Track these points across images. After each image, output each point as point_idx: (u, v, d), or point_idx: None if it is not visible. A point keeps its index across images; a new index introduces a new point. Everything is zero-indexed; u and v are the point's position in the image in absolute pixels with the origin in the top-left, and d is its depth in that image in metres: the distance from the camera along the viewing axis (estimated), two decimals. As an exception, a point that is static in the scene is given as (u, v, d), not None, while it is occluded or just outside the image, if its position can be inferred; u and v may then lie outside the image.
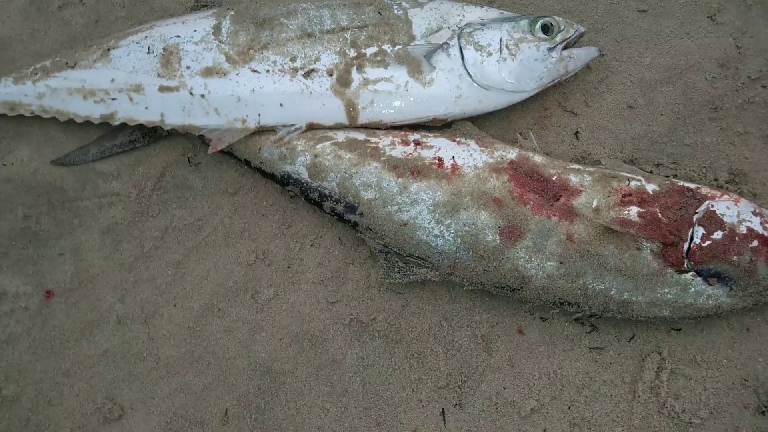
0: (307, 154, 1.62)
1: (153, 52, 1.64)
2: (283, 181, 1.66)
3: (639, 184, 1.53)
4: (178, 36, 1.64)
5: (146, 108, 1.63)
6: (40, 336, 1.65)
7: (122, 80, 1.63)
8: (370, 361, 1.65)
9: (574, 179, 1.54)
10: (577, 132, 1.77)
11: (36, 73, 1.67)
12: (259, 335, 1.67)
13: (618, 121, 1.77)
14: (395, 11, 1.66)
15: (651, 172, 1.67)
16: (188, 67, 1.62)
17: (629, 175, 1.55)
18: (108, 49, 1.66)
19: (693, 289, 1.48)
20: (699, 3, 1.82)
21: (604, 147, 1.75)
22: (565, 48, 1.66)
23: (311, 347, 1.67)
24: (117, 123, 1.66)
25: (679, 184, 1.54)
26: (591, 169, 1.57)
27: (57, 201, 1.73)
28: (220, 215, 1.74)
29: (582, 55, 1.68)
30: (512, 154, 1.59)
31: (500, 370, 1.64)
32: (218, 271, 1.71)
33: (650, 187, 1.52)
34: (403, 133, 1.65)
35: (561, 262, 1.50)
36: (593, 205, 1.50)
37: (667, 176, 1.66)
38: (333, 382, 1.64)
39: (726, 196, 1.52)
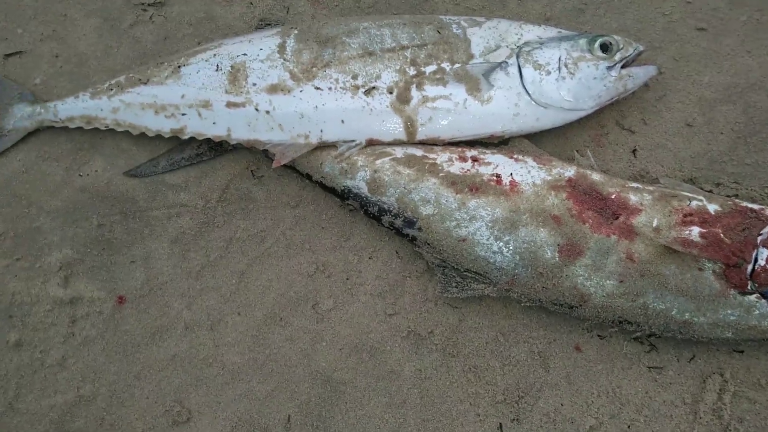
0: (366, 169, 1.65)
1: (221, 69, 1.68)
2: (343, 195, 1.69)
3: (700, 203, 1.51)
4: (244, 54, 1.69)
5: (214, 123, 1.68)
6: (113, 339, 1.70)
7: (192, 96, 1.68)
8: (427, 374, 1.66)
9: (633, 198, 1.53)
10: (634, 150, 1.76)
11: (111, 89, 1.73)
12: (320, 345, 1.70)
13: (677, 140, 1.76)
14: (454, 30, 1.68)
15: (711, 191, 1.66)
16: (254, 84, 1.66)
17: (690, 195, 1.54)
18: (179, 66, 1.71)
19: (757, 312, 1.46)
20: (761, 21, 1.80)
21: (663, 165, 1.74)
22: (623, 66, 1.66)
23: (370, 358, 1.68)
24: (186, 137, 1.70)
25: (741, 204, 1.52)
26: (650, 188, 1.56)
27: (129, 210, 1.78)
28: (281, 227, 1.77)
29: (641, 73, 1.68)
30: (570, 171, 1.59)
31: (558, 387, 1.63)
32: (280, 281, 1.74)
33: (712, 207, 1.51)
34: (460, 149, 1.66)
35: (621, 281, 1.49)
36: (653, 225, 1.49)
37: (729, 196, 1.64)
38: (392, 393, 1.66)
39: (791, 218, 1.50)
